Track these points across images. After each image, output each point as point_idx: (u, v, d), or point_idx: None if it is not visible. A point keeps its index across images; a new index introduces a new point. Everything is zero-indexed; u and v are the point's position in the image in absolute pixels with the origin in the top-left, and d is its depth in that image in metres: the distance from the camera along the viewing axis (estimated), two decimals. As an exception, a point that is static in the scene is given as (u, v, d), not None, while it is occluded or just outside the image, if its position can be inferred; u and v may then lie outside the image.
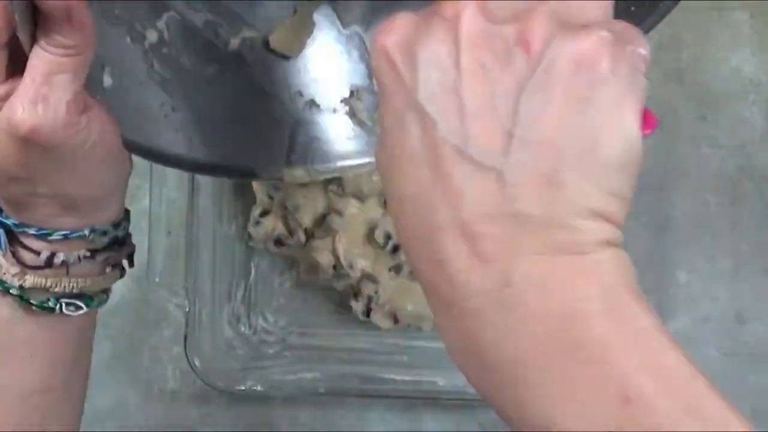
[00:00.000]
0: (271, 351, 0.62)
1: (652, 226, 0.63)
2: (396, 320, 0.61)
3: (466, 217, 0.26)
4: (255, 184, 0.60)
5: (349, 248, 0.59)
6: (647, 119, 0.27)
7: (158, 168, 0.56)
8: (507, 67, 0.26)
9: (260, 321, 0.63)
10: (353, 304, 0.61)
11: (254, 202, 0.61)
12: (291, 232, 0.61)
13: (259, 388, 0.57)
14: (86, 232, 0.38)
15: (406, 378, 0.59)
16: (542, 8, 0.26)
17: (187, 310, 0.55)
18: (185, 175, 0.55)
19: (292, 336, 0.63)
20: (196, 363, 0.56)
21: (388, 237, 0.58)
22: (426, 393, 0.60)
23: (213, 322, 0.58)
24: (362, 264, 0.59)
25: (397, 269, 0.60)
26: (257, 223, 0.61)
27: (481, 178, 0.26)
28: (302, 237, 0.61)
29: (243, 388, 0.57)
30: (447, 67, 0.26)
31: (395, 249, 0.59)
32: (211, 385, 0.56)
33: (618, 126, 0.25)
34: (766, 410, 0.61)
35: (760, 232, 0.64)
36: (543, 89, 0.25)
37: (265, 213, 0.61)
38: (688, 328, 0.63)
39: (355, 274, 0.59)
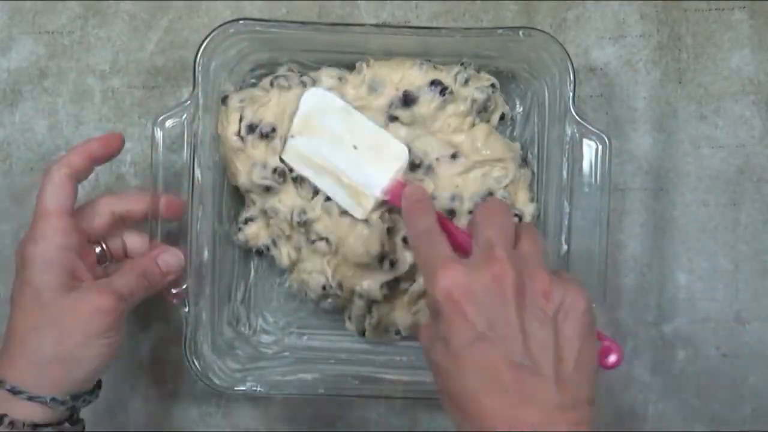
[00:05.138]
0: (270, 351, 0.62)
1: (652, 226, 0.64)
2: (395, 333, 0.60)
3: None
4: (245, 188, 0.59)
5: (338, 269, 0.58)
6: (607, 351, 0.48)
7: (158, 168, 0.56)
8: (537, 308, 0.44)
9: (260, 322, 0.63)
10: (347, 324, 0.61)
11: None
12: (275, 242, 0.60)
13: (258, 388, 0.57)
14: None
15: (406, 378, 0.59)
16: (543, 267, 0.45)
17: (187, 310, 0.55)
18: (185, 176, 0.55)
19: (292, 337, 0.63)
20: (196, 363, 0.56)
21: (381, 257, 0.57)
22: (426, 393, 0.59)
23: (213, 322, 0.58)
24: (352, 284, 0.58)
25: (389, 286, 0.58)
26: (239, 229, 0.61)
27: (537, 381, 0.43)
28: (284, 251, 0.60)
29: (243, 388, 0.57)
30: (499, 308, 0.43)
31: (392, 264, 0.57)
32: (211, 386, 0.56)
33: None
34: (766, 410, 0.62)
35: (760, 232, 0.64)
36: (559, 326, 0.44)
37: (250, 220, 0.61)
38: (688, 328, 0.63)
39: (345, 295, 0.59)
